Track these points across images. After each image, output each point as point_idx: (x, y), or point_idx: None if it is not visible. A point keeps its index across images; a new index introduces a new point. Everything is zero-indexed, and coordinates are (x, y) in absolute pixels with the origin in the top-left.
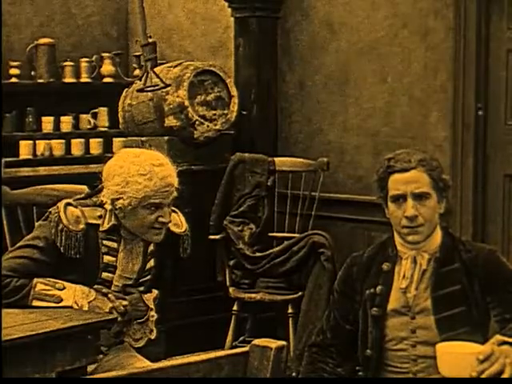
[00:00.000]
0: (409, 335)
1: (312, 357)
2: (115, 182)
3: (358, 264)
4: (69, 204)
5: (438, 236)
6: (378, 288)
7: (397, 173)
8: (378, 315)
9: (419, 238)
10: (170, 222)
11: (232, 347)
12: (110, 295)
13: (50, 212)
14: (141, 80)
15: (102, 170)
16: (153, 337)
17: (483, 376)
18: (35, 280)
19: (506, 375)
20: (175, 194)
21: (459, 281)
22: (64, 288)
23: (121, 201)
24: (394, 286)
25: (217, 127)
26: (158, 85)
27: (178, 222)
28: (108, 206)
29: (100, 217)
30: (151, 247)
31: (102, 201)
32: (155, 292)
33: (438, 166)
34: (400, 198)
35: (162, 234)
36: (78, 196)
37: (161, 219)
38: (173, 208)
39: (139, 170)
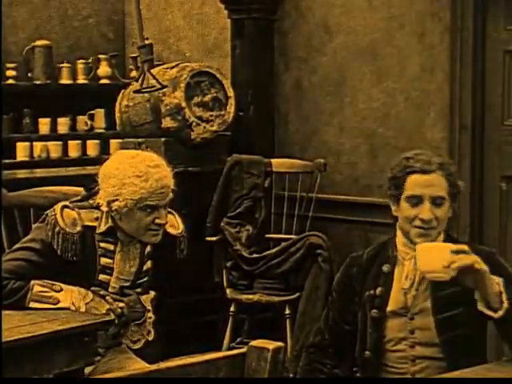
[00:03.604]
0: (407, 336)
1: (310, 357)
2: (111, 183)
3: (357, 265)
4: (65, 206)
5: (440, 238)
6: (378, 290)
7: (416, 173)
8: (377, 317)
9: (428, 240)
10: (167, 223)
11: (229, 348)
12: (107, 297)
13: (47, 214)
14: (137, 81)
15: (98, 172)
16: (150, 338)
17: (453, 266)
18: (32, 282)
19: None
20: (171, 195)
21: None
22: (61, 290)
23: (117, 202)
24: (393, 288)
25: (213, 128)
26: (154, 86)
27: (175, 224)
28: (104, 208)
29: (96, 219)
30: (148, 249)
31: (98, 203)
32: (152, 293)
33: (455, 171)
34: (416, 199)
35: (160, 235)
36: (75, 198)
37: (157, 221)
38: (169, 209)
39: (135, 171)
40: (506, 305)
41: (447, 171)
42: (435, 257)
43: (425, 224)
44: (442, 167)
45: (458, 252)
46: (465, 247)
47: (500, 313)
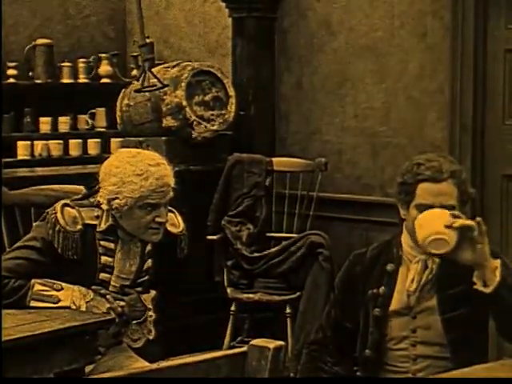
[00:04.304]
0: (409, 335)
1: (311, 355)
2: (111, 182)
3: (360, 263)
4: (66, 205)
5: None
6: (381, 289)
7: (427, 182)
8: (379, 316)
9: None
10: (167, 221)
11: (230, 347)
12: (107, 296)
13: (47, 213)
14: (138, 80)
15: (99, 171)
16: (151, 337)
17: (455, 224)
18: (33, 281)
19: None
20: (172, 194)
21: (464, 281)
22: (62, 289)
23: (117, 201)
24: (396, 288)
25: (214, 127)
26: (155, 85)
27: (175, 222)
28: (105, 207)
29: (97, 217)
30: (148, 247)
31: (98, 201)
32: (153, 292)
33: (466, 179)
34: (426, 207)
35: (161, 234)
36: (75, 197)
37: (157, 219)
38: (170, 208)
39: (135, 170)
40: (498, 278)
41: (458, 179)
42: (436, 219)
43: None
44: (453, 175)
45: (457, 216)
46: (462, 215)
47: (491, 287)
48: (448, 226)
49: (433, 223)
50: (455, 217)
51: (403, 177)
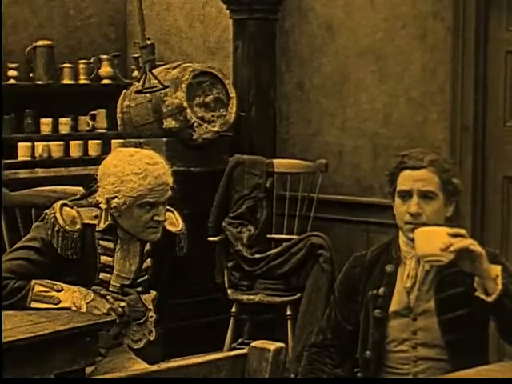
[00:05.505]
0: (410, 336)
1: (311, 357)
2: (110, 181)
3: (360, 265)
4: (65, 205)
5: None
6: (381, 290)
7: (407, 169)
8: (380, 317)
9: None
10: (166, 220)
11: (231, 349)
12: (108, 296)
13: (46, 213)
14: (139, 82)
15: (97, 170)
16: (152, 338)
17: (451, 249)
18: (33, 282)
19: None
20: (170, 192)
21: (463, 283)
22: (62, 289)
23: (116, 200)
24: (396, 288)
25: (215, 129)
26: (156, 86)
27: (174, 221)
28: (103, 206)
29: (96, 217)
30: (147, 246)
31: (97, 201)
32: (153, 293)
33: (450, 169)
34: (406, 195)
35: (159, 233)
36: (74, 197)
37: (156, 218)
38: (168, 207)
39: (134, 168)
40: (500, 286)
41: (440, 168)
42: (433, 240)
43: (413, 219)
44: (433, 164)
45: (455, 235)
46: (462, 231)
47: (494, 296)
48: (444, 250)
49: (430, 244)
50: (454, 235)
51: (389, 169)
